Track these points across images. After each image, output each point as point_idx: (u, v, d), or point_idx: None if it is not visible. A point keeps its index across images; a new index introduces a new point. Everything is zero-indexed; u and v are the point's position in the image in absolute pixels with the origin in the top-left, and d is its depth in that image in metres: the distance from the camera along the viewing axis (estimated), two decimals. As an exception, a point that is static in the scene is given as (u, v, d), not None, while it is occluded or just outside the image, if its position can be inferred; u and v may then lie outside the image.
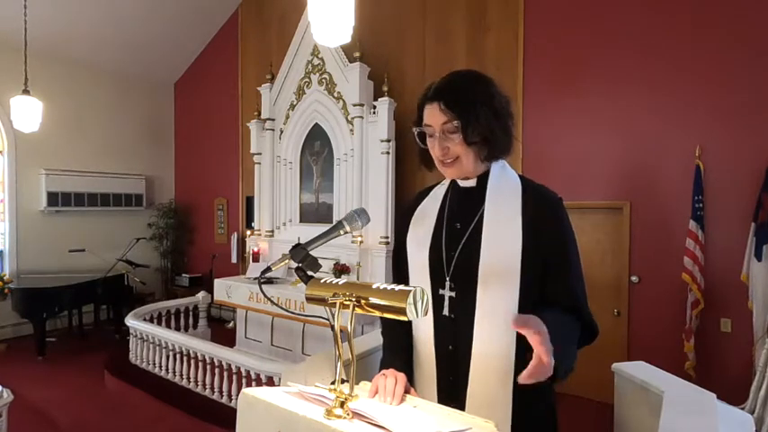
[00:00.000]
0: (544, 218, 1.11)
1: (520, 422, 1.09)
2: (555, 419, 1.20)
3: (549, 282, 1.10)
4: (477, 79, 1.14)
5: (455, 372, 1.13)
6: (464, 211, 1.18)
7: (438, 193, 1.28)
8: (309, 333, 4.94)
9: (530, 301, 1.08)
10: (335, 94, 5.30)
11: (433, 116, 1.12)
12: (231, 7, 7.35)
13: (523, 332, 0.87)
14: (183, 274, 7.72)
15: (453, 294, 1.14)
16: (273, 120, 5.93)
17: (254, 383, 3.59)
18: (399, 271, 1.30)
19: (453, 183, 1.24)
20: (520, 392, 1.08)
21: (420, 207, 1.29)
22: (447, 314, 1.14)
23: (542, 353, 0.86)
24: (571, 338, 1.05)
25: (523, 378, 0.89)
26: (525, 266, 1.08)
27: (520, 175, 1.19)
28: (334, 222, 1.13)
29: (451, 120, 1.09)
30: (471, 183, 1.19)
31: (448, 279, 1.14)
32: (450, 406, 1.10)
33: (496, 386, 1.08)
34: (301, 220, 5.74)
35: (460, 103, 1.09)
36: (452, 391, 1.13)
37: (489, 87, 1.13)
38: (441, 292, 1.16)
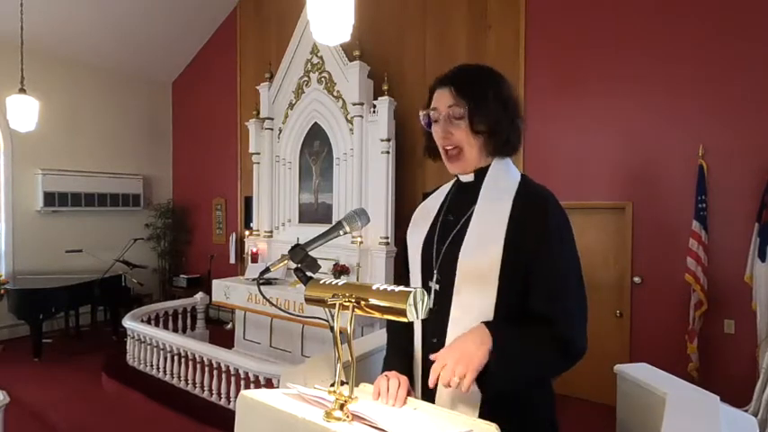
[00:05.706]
0: (529, 218, 1.05)
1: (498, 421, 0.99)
2: (552, 424, 1.13)
3: (531, 286, 1.04)
4: (490, 72, 1.15)
5: None
6: (459, 205, 1.18)
7: (443, 190, 1.29)
8: (309, 334, 4.92)
9: (508, 303, 1.04)
10: (335, 93, 5.28)
11: (442, 99, 1.12)
12: (230, 6, 7.34)
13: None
14: (181, 275, 7.70)
15: (438, 287, 1.14)
16: (272, 119, 5.91)
17: (252, 385, 3.58)
18: (402, 268, 1.32)
19: (457, 179, 1.24)
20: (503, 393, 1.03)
21: (424, 203, 1.31)
22: (432, 306, 1.13)
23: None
24: (523, 351, 1.00)
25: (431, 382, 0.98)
26: (505, 267, 1.04)
27: (522, 175, 1.16)
28: (334, 223, 1.13)
29: (459, 104, 1.08)
30: (470, 177, 1.18)
31: (435, 271, 1.14)
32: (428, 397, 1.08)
33: None
34: (300, 221, 5.72)
35: (471, 90, 1.09)
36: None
37: (502, 82, 1.14)
38: (429, 284, 1.16)
